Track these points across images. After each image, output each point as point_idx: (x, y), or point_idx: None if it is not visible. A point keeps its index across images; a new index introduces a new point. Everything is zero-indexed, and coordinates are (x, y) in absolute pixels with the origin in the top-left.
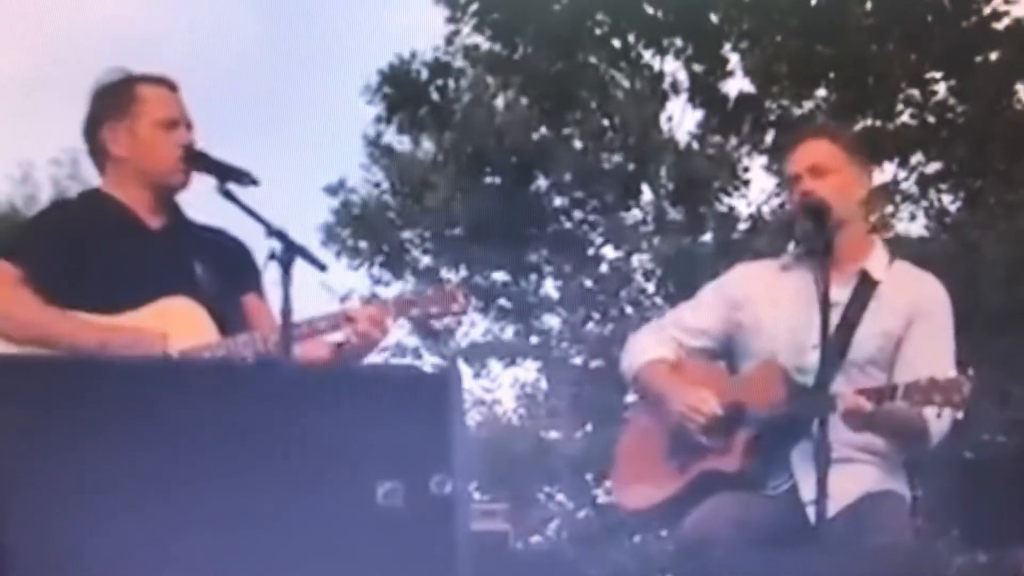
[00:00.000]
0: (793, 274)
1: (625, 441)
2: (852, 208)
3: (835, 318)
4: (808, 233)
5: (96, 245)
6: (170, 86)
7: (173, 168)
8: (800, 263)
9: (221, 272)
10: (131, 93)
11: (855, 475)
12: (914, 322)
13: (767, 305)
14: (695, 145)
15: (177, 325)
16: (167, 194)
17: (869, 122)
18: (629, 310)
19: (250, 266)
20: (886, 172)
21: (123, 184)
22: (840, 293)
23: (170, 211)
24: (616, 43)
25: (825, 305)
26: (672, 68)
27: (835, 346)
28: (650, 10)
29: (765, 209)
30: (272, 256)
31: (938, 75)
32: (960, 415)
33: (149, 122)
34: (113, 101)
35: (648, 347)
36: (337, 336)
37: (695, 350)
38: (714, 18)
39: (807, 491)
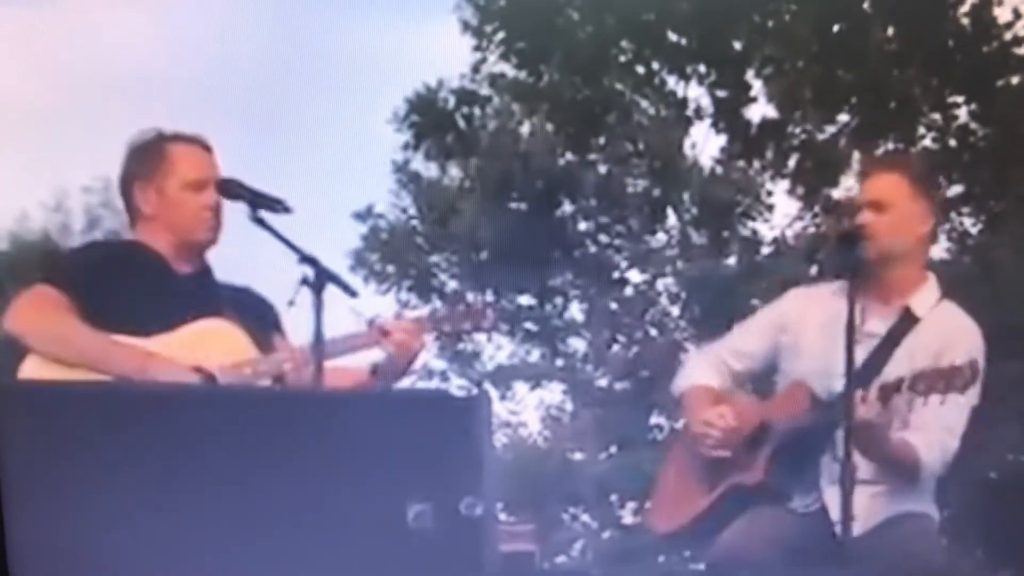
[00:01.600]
0: (840, 300)
1: (664, 467)
2: (907, 244)
3: (869, 349)
4: (834, 259)
5: (132, 280)
6: (202, 145)
7: (200, 227)
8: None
9: (248, 315)
10: (161, 153)
11: (884, 496)
12: (939, 361)
13: (808, 329)
14: (719, 170)
15: (217, 343)
16: (197, 249)
17: (891, 146)
18: (654, 333)
19: (273, 317)
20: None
21: (155, 239)
22: (880, 325)
23: (198, 264)
24: (640, 70)
25: (851, 330)
26: (696, 94)
27: (862, 376)
28: (674, 37)
29: (788, 233)
30: (304, 282)
31: (960, 99)
32: (954, 446)
33: (177, 183)
34: (144, 161)
35: (694, 372)
36: (374, 352)
37: (741, 372)
38: (737, 45)
39: (835, 510)
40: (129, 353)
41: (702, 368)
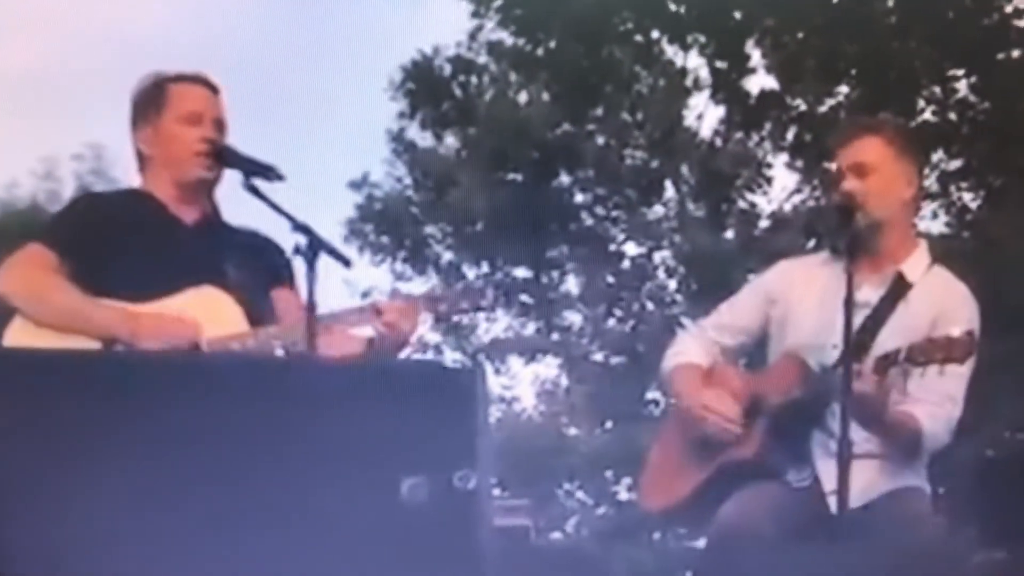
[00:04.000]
0: (830, 270)
1: (655, 445)
2: (894, 209)
3: (862, 318)
4: (831, 231)
5: (129, 235)
6: (203, 82)
7: (195, 162)
8: (840, 260)
9: (252, 267)
10: (161, 93)
11: (878, 470)
12: (935, 330)
13: (798, 301)
14: (718, 142)
15: (207, 314)
16: (199, 189)
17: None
18: (650, 306)
19: (283, 263)
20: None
21: (156, 182)
22: (872, 294)
23: (206, 208)
24: (640, 39)
25: (849, 304)
26: (695, 64)
27: (856, 346)
28: (673, 6)
29: (787, 206)
30: (297, 251)
31: (960, 72)
32: (956, 413)
33: (172, 117)
34: (144, 104)
35: (683, 351)
36: (367, 329)
37: (732, 348)
38: (737, 15)
39: (829, 484)
40: (114, 315)
41: (690, 346)
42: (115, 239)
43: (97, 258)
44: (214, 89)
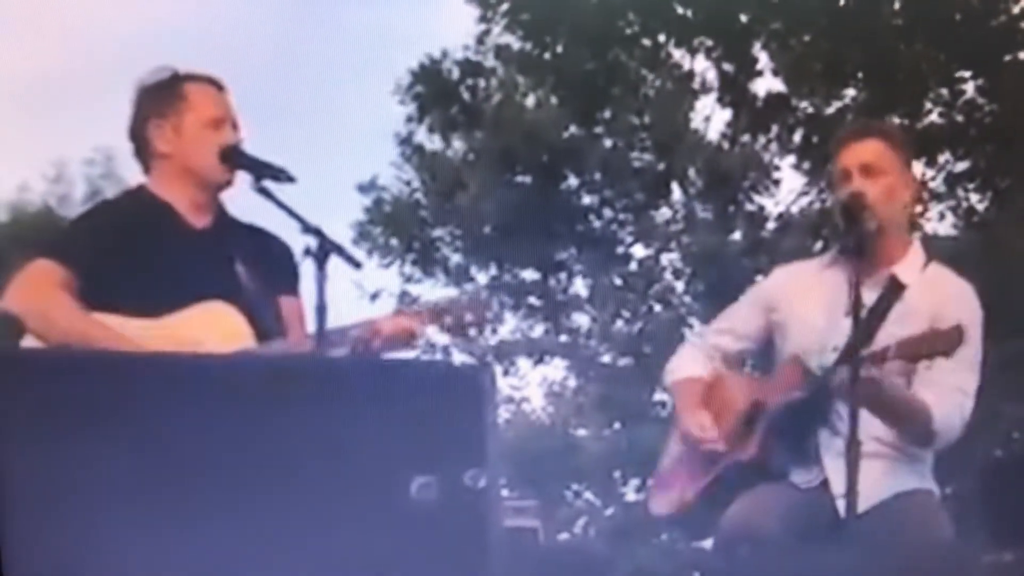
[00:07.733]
0: (828, 275)
1: (665, 451)
2: (896, 211)
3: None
4: (840, 231)
5: (139, 246)
6: (217, 85)
7: (216, 166)
8: (837, 264)
9: (262, 272)
10: (178, 91)
11: (887, 472)
12: (936, 328)
13: (797, 306)
14: (725, 144)
15: (213, 330)
16: (211, 192)
17: (897, 121)
18: (658, 308)
19: (291, 267)
20: (914, 171)
21: (168, 182)
22: (868, 296)
23: (214, 210)
24: (647, 42)
25: (857, 306)
26: (702, 67)
27: (852, 348)
28: (680, 10)
29: (794, 208)
30: (307, 253)
31: (967, 74)
32: (969, 404)
33: (195, 119)
34: (160, 99)
35: (684, 364)
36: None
37: (734, 353)
38: (743, 18)
39: (838, 486)
40: (120, 341)
41: (691, 358)
42: (126, 252)
43: (107, 272)
44: (223, 88)
